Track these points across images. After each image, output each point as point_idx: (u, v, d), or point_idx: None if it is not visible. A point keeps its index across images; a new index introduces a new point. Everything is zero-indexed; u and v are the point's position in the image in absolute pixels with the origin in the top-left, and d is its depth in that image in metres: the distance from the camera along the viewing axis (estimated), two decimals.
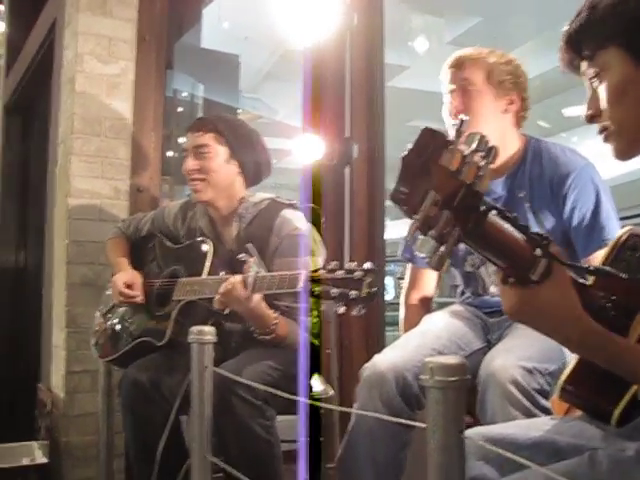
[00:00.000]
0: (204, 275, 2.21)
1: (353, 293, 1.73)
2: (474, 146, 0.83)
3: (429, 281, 2.26)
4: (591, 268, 1.08)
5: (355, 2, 3.05)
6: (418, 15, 7.77)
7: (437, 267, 0.85)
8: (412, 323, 2.14)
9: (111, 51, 3.19)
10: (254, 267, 1.99)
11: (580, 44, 1.14)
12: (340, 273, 1.76)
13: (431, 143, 0.83)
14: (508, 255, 0.94)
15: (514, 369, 1.65)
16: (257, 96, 9.02)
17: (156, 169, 3.32)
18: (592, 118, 1.15)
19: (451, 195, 0.82)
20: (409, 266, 2.29)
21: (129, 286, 2.41)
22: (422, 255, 0.84)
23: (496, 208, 0.87)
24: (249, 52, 6.82)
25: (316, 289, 1.78)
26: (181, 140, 3.78)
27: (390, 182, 0.85)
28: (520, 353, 1.70)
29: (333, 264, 1.80)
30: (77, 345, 3.00)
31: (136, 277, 2.44)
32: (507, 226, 0.92)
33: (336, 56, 3.08)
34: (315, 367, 2.43)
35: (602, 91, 1.12)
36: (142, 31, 3.27)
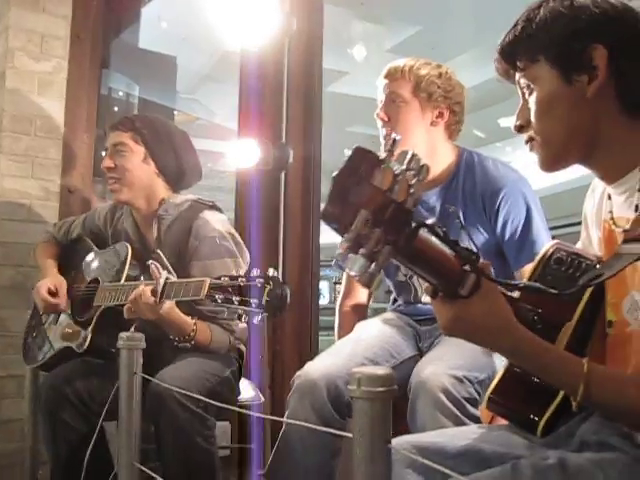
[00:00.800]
0: (122, 281, 2.18)
1: (254, 301, 1.73)
2: (405, 164, 0.84)
3: (363, 289, 2.28)
4: (522, 284, 1.10)
5: (295, 7, 3.05)
6: (358, 22, 7.81)
7: (367, 285, 0.85)
8: (346, 330, 2.15)
9: (43, 48, 3.11)
10: (164, 273, 1.97)
11: (514, 56, 1.16)
12: (242, 280, 1.76)
13: (363, 162, 0.83)
14: (438, 271, 0.95)
15: (444, 377, 1.67)
16: (195, 97, 8.92)
17: (88, 170, 3.25)
18: (521, 128, 1.17)
19: (382, 213, 0.82)
20: (345, 273, 2.30)
21: (53, 293, 2.34)
22: (353, 273, 0.84)
23: (426, 225, 0.88)
24: (187, 53, 6.75)
25: (218, 297, 1.76)
26: None
27: (326, 187, 0.85)
28: (451, 362, 1.72)
29: (238, 271, 1.79)
30: (2, 349, 2.91)
31: (60, 283, 2.38)
32: (437, 242, 0.92)
33: (275, 60, 3.08)
34: (246, 373, 2.41)
35: (532, 103, 1.14)
36: (76, 29, 3.20)
